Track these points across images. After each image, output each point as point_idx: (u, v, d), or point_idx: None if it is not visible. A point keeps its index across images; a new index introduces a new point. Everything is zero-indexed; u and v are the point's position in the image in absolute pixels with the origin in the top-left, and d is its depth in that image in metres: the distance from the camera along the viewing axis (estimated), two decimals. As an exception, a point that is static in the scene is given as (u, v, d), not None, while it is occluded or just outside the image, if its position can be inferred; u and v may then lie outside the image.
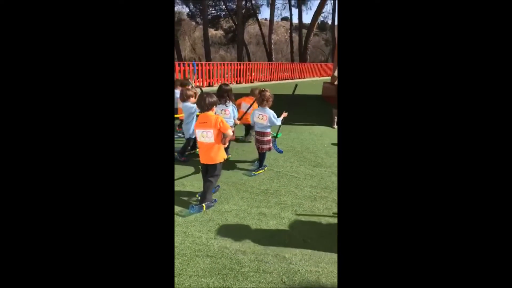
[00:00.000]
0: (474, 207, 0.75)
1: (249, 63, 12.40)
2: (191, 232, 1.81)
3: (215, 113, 2.14)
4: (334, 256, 1.59)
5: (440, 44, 0.78)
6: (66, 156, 0.76)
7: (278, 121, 2.69)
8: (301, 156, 3.32)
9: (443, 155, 0.77)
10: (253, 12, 19.93)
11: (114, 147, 0.79)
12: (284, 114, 2.88)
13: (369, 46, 0.83)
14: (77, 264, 0.75)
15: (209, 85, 9.56)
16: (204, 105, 2.02)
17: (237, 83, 10.70)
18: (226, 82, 4.71)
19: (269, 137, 2.75)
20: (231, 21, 19.77)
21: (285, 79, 13.67)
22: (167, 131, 0.86)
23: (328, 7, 20.18)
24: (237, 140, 3.74)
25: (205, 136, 2.03)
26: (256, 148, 2.85)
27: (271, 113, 2.66)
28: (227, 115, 2.91)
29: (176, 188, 2.38)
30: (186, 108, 2.95)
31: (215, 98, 2.09)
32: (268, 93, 2.68)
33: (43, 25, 0.75)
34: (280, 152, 3.11)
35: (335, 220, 1.99)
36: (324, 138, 4.09)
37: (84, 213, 0.77)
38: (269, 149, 2.77)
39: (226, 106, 2.93)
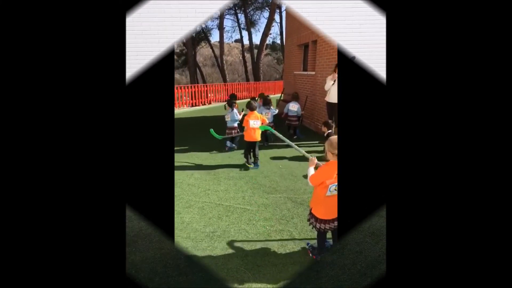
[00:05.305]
0: (469, 206, 0.78)
1: (204, 85, 12.15)
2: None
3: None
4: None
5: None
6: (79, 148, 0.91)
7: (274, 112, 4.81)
8: (254, 182, 3.06)
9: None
10: (204, 36, 20.08)
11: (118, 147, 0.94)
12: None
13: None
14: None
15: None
16: (253, 107, 3.70)
17: (192, 106, 10.27)
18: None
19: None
20: (182, 45, 19.60)
21: (242, 99, 13.68)
22: (168, 128, 1.05)
23: (275, 29, 21.26)
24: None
25: (254, 124, 3.53)
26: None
27: (273, 110, 4.78)
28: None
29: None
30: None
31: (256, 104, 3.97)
32: (269, 97, 4.82)
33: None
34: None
35: (288, 263, 1.72)
36: (279, 158, 3.92)
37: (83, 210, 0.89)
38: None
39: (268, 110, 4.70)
